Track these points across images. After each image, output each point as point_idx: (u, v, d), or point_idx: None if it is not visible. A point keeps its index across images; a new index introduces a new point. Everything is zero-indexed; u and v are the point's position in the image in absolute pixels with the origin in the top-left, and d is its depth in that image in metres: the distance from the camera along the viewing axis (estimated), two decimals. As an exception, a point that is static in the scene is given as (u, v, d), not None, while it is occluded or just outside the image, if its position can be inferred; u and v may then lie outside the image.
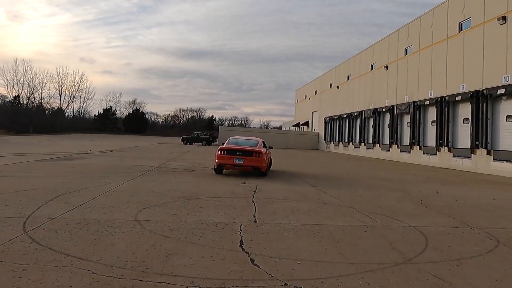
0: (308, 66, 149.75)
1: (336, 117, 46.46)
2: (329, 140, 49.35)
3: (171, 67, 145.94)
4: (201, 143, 49.51)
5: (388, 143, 33.30)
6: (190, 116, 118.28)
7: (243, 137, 17.64)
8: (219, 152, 15.01)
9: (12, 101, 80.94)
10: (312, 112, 59.38)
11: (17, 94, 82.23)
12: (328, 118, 49.39)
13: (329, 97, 50.31)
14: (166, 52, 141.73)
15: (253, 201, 9.32)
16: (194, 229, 6.38)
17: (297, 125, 67.56)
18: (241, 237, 5.99)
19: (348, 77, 43.95)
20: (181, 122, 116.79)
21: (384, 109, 34.29)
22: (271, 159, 17.65)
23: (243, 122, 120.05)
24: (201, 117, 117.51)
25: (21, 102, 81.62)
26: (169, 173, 15.08)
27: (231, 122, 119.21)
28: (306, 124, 62.72)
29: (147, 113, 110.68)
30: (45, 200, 8.33)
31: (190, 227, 6.50)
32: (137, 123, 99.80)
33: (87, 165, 16.68)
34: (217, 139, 51.86)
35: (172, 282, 4.12)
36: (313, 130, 58.71)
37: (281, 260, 4.96)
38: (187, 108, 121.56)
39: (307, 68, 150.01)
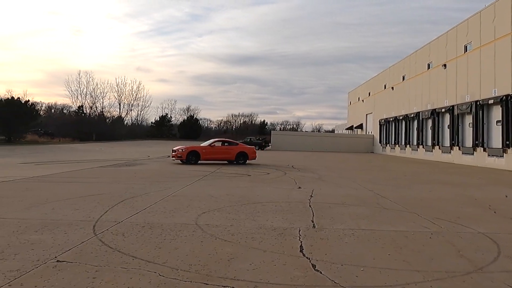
0: (359, 67, 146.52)
1: (391, 119, 45.09)
2: (384, 143, 47.96)
3: (222, 73, 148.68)
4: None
5: (448, 145, 31.78)
6: (242, 121, 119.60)
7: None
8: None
9: (77, 111, 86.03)
10: (366, 115, 58.00)
11: (81, 104, 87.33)
12: (383, 120, 48.05)
13: (384, 99, 48.94)
14: (217, 59, 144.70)
15: (310, 206, 9.25)
16: (253, 233, 6.44)
17: (351, 128, 66.27)
18: (301, 242, 5.96)
19: (403, 77, 42.54)
20: (234, 127, 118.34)
21: (443, 110, 32.82)
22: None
23: (294, 126, 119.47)
24: (253, 122, 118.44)
25: (85, 112, 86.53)
26: (225, 178, 15.34)
27: (282, 126, 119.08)
28: (360, 127, 61.37)
29: (201, 119, 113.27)
30: (111, 205, 8.76)
31: (249, 231, 6.57)
32: (191, 129, 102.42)
33: (146, 171, 17.36)
34: (269, 144, 52.00)
35: (236, 286, 4.18)
36: (367, 133, 57.33)
37: (344, 266, 4.88)
38: (239, 113, 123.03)
39: (358, 70, 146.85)
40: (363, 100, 59.51)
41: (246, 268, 4.74)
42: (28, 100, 58.25)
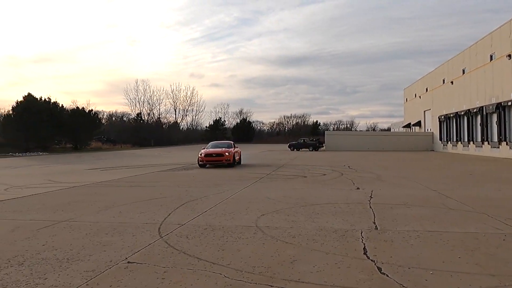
0: (414, 62, 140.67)
1: (452, 115, 42.95)
2: (445, 140, 45.76)
3: (273, 75, 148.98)
4: (308, 149, 49.51)
5: (517, 141, 29.75)
6: (294, 122, 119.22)
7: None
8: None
9: (135, 118, 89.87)
10: (424, 111, 55.66)
11: (139, 112, 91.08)
12: (442, 117, 45.87)
13: (443, 94, 46.73)
14: (267, 61, 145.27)
15: (370, 207, 9.03)
16: (314, 235, 6.39)
17: (408, 125, 63.92)
18: (364, 244, 5.83)
19: (463, 70, 40.39)
20: (286, 129, 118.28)
21: (509, 103, 30.76)
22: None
23: (348, 125, 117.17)
24: (306, 123, 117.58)
25: (143, 119, 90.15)
26: (281, 179, 15.36)
27: (336, 126, 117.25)
28: (418, 124, 59.00)
29: (253, 122, 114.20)
30: (173, 208, 9.06)
31: (310, 233, 6.53)
32: (244, 132, 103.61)
33: (204, 174, 17.78)
34: (323, 144, 51.39)
35: (301, 288, 4.17)
36: (426, 130, 55.00)
37: (411, 270, 4.71)
38: (291, 114, 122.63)
39: (413, 65, 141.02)
40: (420, 97, 57.21)
41: (309, 270, 4.72)
42: (91, 110, 61.69)
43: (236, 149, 24.35)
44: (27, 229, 7.07)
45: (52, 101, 54.77)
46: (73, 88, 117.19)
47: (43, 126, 47.84)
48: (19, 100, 51.15)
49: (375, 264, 4.91)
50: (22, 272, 4.75)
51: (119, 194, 11.70)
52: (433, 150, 48.52)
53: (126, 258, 5.25)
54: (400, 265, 4.86)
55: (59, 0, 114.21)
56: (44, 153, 45.60)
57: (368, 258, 5.18)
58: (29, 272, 4.74)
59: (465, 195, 10.86)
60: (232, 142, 25.90)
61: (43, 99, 53.39)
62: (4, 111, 55.38)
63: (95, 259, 5.26)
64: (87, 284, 4.33)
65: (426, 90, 53.87)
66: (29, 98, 51.37)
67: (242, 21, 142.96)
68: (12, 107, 51.05)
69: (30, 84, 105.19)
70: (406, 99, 67.39)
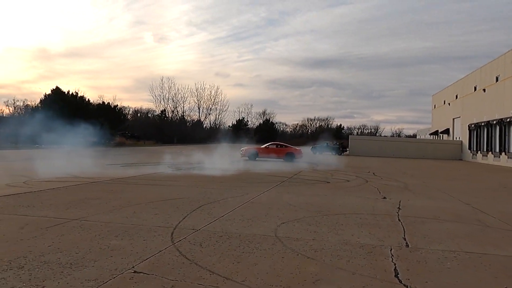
0: (443, 68, 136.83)
1: (483, 124, 41.33)
2: (475, 149, 44.11)
3: (298, 77, 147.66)
4: (330, 153, 48.61)
5: (553, 153, 28.25)
6: (317, 125, 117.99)
7: None
8: None
9: (160, 115, 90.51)
10: (453, 119, 53.91)
11: (163, 109, 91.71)
12: (473, 125, 44.23)
13: (474, 102, 45.07)
14: (292, 63, 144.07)
15: (399, 219, 8.39)
16: (338, 250, 5.84)
17: (435, 133, 62.09)
18: (395, 264, 5.25)
19: (497, 78, 38.80)
20: (309, 131, 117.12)
21: (547, 113, 29.28)
22: None
23: (373, 130, 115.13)
24: (329, 126, 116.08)
25: (167, 116, 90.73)
26: (303, 184, 14.80)
27: (360, 130, 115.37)
28: (446, 132, 57.19)
29: (276, 123, 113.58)
30: (189, 210, 8.65)
31: (334, 248, 5.98)
32: (267, 133, 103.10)
33: (223, 176, 17.35)
34: (347, 149, 50.37)
35: (324, 316, 3.66)
36: (454, 139, 53.24)
37: (450, 299, 4.13)
38: (315, 117, 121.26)
39: (442, 71, 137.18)
40: (449, 104, 55.48)
41: (334, 293, 4.19)
42: (117, 105, 62.39)
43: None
44: (36, 227, 6.77)
45: (79, 95, 55.65)
46: (101, 83, 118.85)
47: (69, 120, 48.55)
48: (47, 93, 52.20)
49: (408, 290, 4.34)
50: (20, 277, 4.40)
51: (135, 192, 11.38)
52: (461, 159, 46.91)
53: (132, 267, 4.83)
54: (437, 293, 4.28)
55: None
56: (69, 146, 46.21)
57: (401, 282, 4.61)
58: (27, 278, 4.38)
59: (502, 211, 10.07)
60: None
61: (70, 93, 54.27)
62: (34, 104, 56.61)
63: (100, 265, 4.87)
64: (86, 296, 3.93)
65: (456, 97, 52.19)
66: (56, 91, 52.30)
67: (269, 21, 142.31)
68: (40, 100, 52.14)
69: (61, 78, 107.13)
70: (435, 105, 65.57)
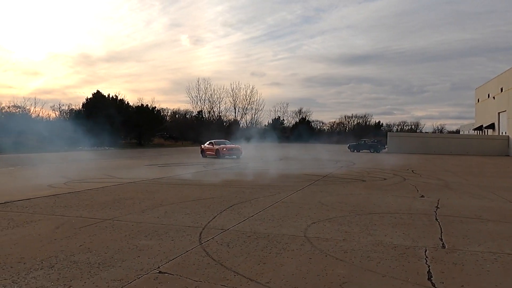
0: (487, 60, 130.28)
1: (532, 117, 39.18)
2: (522, 144, 41.89)
3: (334, 74, 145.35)
4: (368, 150, 47.56)
5: None
6: (355, 122, 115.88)
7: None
8: None
9: (197, 115, 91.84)
10: (498, 113, 51.37)
11: (200, 109, 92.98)
12: (520, 119, 42.02)
13: (522, 94, 42.77)
14: (329, 60, 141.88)
15: (436, 219, 8.02)
16: (369, 251, 5.63)
17: (479, 128, 59.45)
18: (429, 267, 4.99)
19: (548, 68, 36.63)
20: (347, 129, 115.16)
21: None
22: None
23: (413, 127, 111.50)
24: (367, 123, 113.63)
25: (204, 116, 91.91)
26: (337, 183, 14.50)
27: (399, 127, 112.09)
28: (491, 126, 54.60)
29: (313, 121, 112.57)
30: (220, 210, 8.64)
31: (364, 249, 5.77)
32: (303, 131, 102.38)
33: (256, 174, 17.29)
34: (386, 146, 49.09)
35: (348, 321, 3.50)
36: (500, 134, 50.74)
37: (488, 305, 3.86)
38: (352, 114, 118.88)
39: (486, 63, 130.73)
40: (494, 97, 52.92)
41: (361, 297, 4.02)
42: (155, 107, 63.82)
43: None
44: (70, 227, 6.96)
45: (119, 98, 57.39)
46: (140, 86, 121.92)
47: (110, 122, 50.19)
48: (88, 97, 54.17)
49: (442, 295, 4.10)
50: (49, 277, 4.50)
51: (169, 192, 11.52)
52: (508, 155, 44.64)
53: (158, 267, 4.85)
54: (473, 298, 4.01)
55: (128, 2, 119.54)
56: (110, 148, 47.74)
57: (434, 285, 4.36)
58: (56, 277, 4.48)
59: (551, 209, 9.43)
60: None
61: (110, 96, 56.08)
62: (78, 107, 58.93)
63: (127, 265, 4.91)
64: (110, 296, 3.96)
65: (501, 90, 49.71)
66: (97, 95, 54.19)
67: (304, 18, 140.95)
68: (82, 103, 54.20)
69: (103, 82, 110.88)
70: (478, 99, 62.78)
